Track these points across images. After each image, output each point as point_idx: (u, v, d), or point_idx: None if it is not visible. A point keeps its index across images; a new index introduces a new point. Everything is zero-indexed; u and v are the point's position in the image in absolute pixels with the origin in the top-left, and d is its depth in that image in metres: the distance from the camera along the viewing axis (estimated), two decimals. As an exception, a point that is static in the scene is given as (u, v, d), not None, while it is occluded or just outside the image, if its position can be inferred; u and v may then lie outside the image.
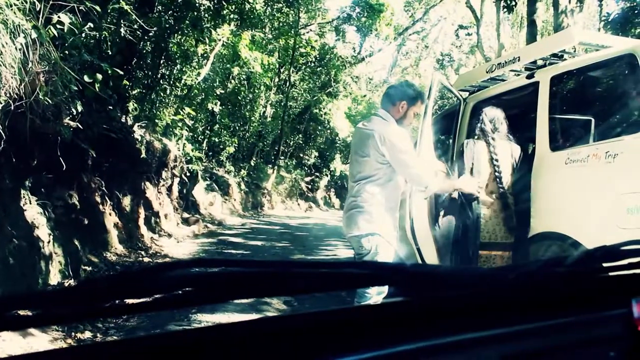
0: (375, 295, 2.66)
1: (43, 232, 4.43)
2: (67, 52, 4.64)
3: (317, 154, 26.89)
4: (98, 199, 6.33)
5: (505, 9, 10.94)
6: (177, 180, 10.55)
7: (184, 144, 11.68)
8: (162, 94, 10.80)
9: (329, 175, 28.02)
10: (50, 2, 4.12)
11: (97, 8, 4.88)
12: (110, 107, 7.08)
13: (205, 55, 12.49)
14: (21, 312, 0.50)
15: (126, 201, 7.56)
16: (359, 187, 2.86)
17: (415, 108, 2.96)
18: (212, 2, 9.93)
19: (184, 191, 11.52)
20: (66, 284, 4.56)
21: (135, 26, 7.12)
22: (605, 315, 0.67)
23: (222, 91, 15.94)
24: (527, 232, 3.36)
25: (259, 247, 8.83)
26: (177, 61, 10.88)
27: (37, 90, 3.81)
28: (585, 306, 0.70)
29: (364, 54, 27.91)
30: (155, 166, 9.05)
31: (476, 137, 3.65)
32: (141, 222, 7.95)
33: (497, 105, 3.86)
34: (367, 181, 2.83)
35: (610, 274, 0.75)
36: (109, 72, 5.12)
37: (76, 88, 4.48)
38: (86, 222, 5.60)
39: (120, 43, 7.31)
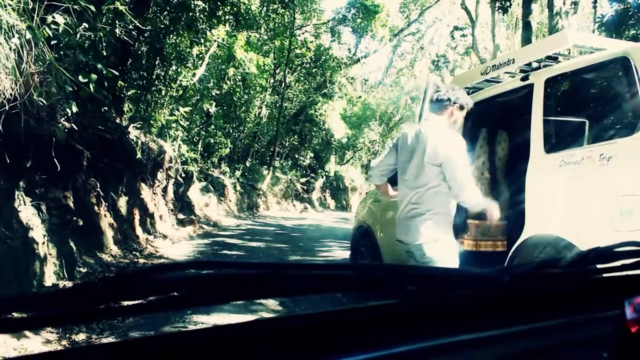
0: None
1: (37, 233, 4.41)
2: (61, 52, 4.62)
3: (312, 155, 26.84)
4: (93, 200, 6.30)
5: (500, 11, 10.99)
6: (172, 181, 10.52)
7: (179, 144, 11.66)
8: (157, 94, 10.77)
9: (324, 177, 27.96)
10: (45, 3, 4.11)
11: (92, 8, 4.87)
12: (105, 108, 7.05)
13: (200, 56, 12.46)
14: (15, 314, 0.50)
15: (121, 202, 7.53)
16: (420, 194, 2.80)
17: (463, 113, 2.99)
18: (207, 3, 9.91)
19: (179, 192, 11.49)
20: (61, 286, 4.54)
21: (131, 27, 7.09)
22: (598, 316, 0.67)
23: (218, 92, 15.89)
24: (521, 234, 3.36)
25: (254, 248, 8.82)
26: (172, 62, 10.85)
27: (31, 91, 3.80)
28: (579, 307, 0.71)
29: (359, 55, 28.05)
30: (151, 167, 9.03)
31: None
32: (136, 223, 7.93)
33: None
34: (427, 188, 2.78)
35: (604, 275, 0.76)
36: (104, 72, 5.10)
37: (71, 89, 4.47)
38: (81, 223, 5.58)
39: (115, 43, 7.29)
